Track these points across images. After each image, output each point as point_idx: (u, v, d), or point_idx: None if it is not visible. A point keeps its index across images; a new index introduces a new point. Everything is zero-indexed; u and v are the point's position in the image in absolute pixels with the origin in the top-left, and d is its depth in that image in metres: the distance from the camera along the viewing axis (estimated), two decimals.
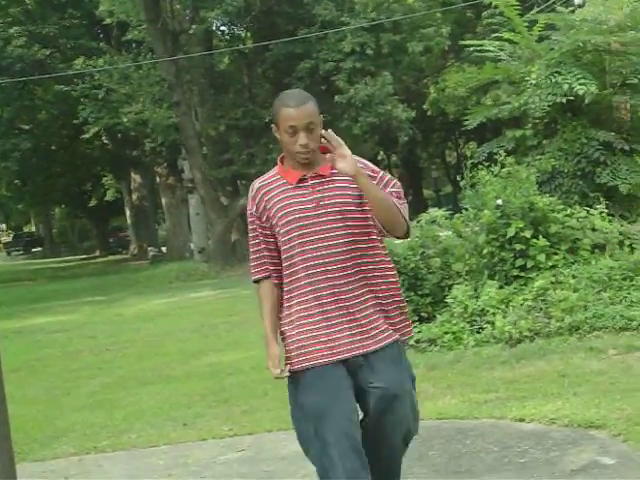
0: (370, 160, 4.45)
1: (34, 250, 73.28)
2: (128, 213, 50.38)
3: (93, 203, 57.75)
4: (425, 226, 12.12)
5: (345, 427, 3.98)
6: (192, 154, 31.17)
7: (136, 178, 46.72)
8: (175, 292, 24.65)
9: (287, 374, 4.07)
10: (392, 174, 46.15)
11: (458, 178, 12.75)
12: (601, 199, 12.46)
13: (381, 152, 50.80)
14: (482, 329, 9.94)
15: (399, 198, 4.15)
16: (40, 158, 42.68)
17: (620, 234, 11.49)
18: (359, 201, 4.10)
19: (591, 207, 11.98)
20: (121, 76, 32.93)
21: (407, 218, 4.14)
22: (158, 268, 33.70)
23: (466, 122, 15.61)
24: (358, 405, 4.13)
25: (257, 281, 4.33)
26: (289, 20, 32.26)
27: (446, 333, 10.02)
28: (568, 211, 11.51)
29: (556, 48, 13.87)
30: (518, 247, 10.76)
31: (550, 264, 10.71)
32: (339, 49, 29.99)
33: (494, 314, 10.05)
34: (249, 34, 37.08)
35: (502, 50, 14.71)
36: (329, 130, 4.03)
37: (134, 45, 36.88)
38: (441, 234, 12.20)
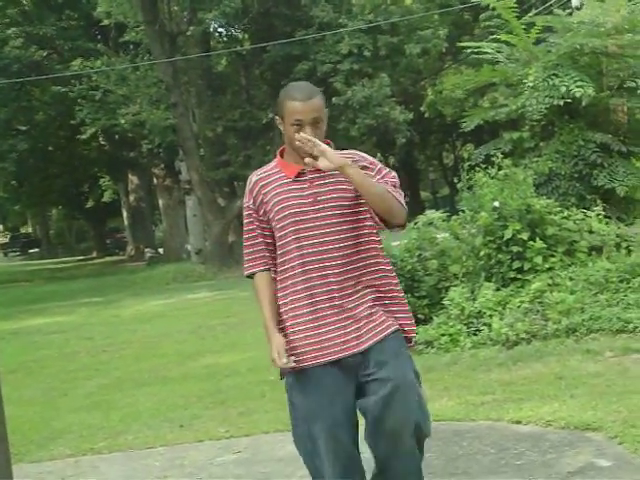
0: None
1: (31, 251, 73.25)
2: (125, 214, 50.34)
3: (90, 204, 57.68)
4: (422, 228, 12.12)
5: (335, 430, 3.93)
6: (189, 155, 31.16)
7: (133, 179, 46.70)
8: (172, 293, 24.65)
9: (293, 364, 3.92)
10: None
11: (455, 180, 12.76)
12: (598, 201, 12.48)
13: (378, 154, 50.81)
14: (479, 331, 9.94)
15: (394, 187, 4.05)
16: (37, 159, 42.65)
17: (617, 236, 11.51)
18: (357, 196, 4.01)
19: (588, 209, 12.00)
20: (118, 77, 32.92)
21: (404, 204, 4.05)
22: (155, 269, 33.69)
23: (463, 124, 15.63)
24: (361, 402, 3.99)
25: (251, 275, 4.23)
26: (287, 22, 32.29)
27: (443, 335, 10.02)
28: (565, 213, 11.52)
29: (553, 50, 13.90)
30: (515, 249, 10.77)
31: (547, 266, 10.72)
32: (336, 51, 30.02)
33: (491, 316, 10.05)
34: (247, 36, 37.11)
35: (499, 52, 14.73)
36: (300, 134, 3.94)
37: (132, 46, 36.88)
38: (438, 236, 12.21)
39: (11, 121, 39.28)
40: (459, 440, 6.37)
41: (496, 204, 11.01)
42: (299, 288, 4.01)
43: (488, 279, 10.91)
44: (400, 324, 4.10)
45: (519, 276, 10.75)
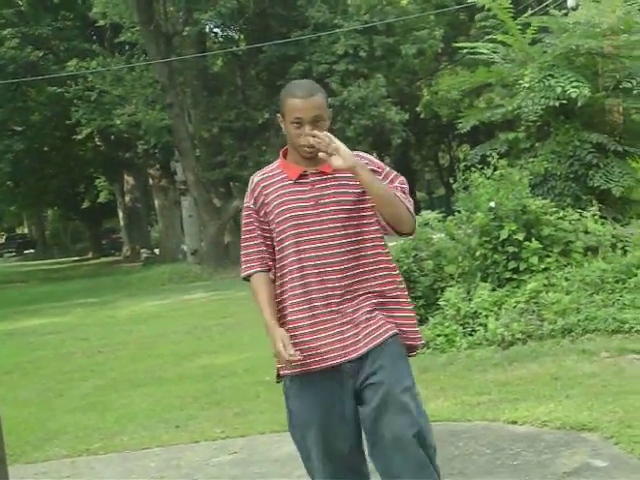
0: None
1: (26, 252, 73.14)
2: (121, 215, 50.31)
3: (86, 205, 57.63)
4: (418, 228, 12.09)
5: (330, 438, 3.88)
6: (185, 156, 31.15)
7: (129, 180, 46.66)
8: (168, 294, 24.63)
9: (299, 357, 3.78)
10: None
11: (451, 180, 12.75)
12: (594, 202, 12.49)
13: (374, 154, 50.81)
14: (475, 331, 9.95)
15: (404, 193, 3.95)
16: (33, 160, 42.59)
17: (613, 237, 11.51)
18: (360, 199, 3.92)
19: (584, 210, 12.01)
20: (114, 78, 32.91)
21: (413, 212, 3.95)
22: (151, 270, 33.65)
23: (459, 125, 15.63)
24: (360, 412, 3.89)
25: (248, 277, 4.10)
26: (282, 22, 32.28)
27: (439, 335, 10.03)
28: (561, 214, 11.53)
29: (549, 51, 13.91)
30: (511, 250, 10.78)
31: (543, 267, 10.73)
32: (332, 51, 30.01)
33: (487, 316, 10.06)
34: (242, 36, 37.09)
35: (495, 52, 14.74)
36: (314, 131, 3.83)
37: (127, 47, 36.85)
38: (434, 236, 12.21)
39: (7, 122, 39.22)
40: (455, 440, 6.37)
41: (492, 204, 11.02)
42: (297, 292, 3.92)
43: (484, 279, 10.92)
44: (403, 330, 3.98)
45: (515, 276, 10.76)
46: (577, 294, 9.99)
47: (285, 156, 4.07)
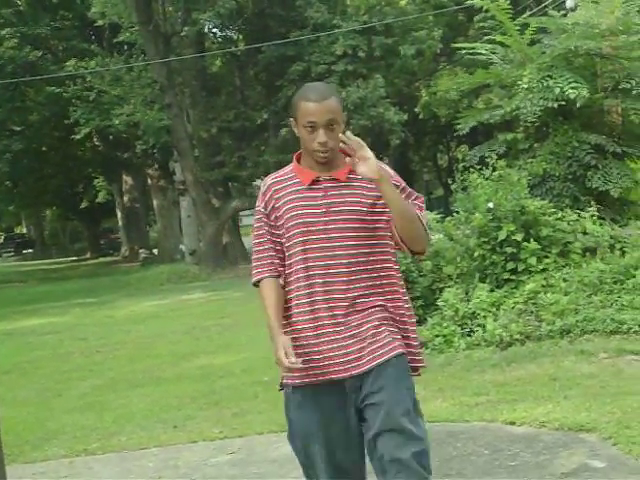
0: None
1: (25, 252, 73.07)
2: (119, 215, 50.27)
3: (84, 205, 57.57)
4: None
5: (332, 452, 3.81)
6: (184, 156, 31.14)
7: (127, 180, 46.63)
8: (166, 294, 24.62)
9: (300, 365, 3.65)
10: None
11: (449, 181, 12.76)
12: (592, 203, 12.48)
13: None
14: (473, 332, 9.96)
15: (421, 210, 3.85)
16: (31, 160, 42.54)
17: (611, 238, 11.52)
18: (374, 210, 3.79)
19: (582, 210, 12.01)
20: (113, 78, 32.87)
21: (428, 232, 3.88)
22: (149, 270, 33.63)
23: (458, 126, 15.62)
24: (363, 427, 3.79)
25: (257, 283, 3.95)
26: (281, 22, 32.25)
27: (437, 336, 10.03)
28: (559, 214, 11.54)
29: (548, 52, 13.91)
30: (509, 250, 10.79)
31: (541, 267, 10.74)
32: (331, 52, 29.98)
33: (485, 317, 10.07)
34: (241, 36, 37.05)
35: (494, 53, 14.74)
36: (347, 132, 3.69)
37: (126, 47, 36.83)
38: (432, 237, 12.21)
39: (5, 122, 39.19)
40: (453, 441, 6.38)
41: (490, 205, 11.02)
42: (303, 301, 3.81)
43: (482, 280, 10.92)
44: (408, 350, 3.87)
45: (513, 277, 10.77)
46: (575, 295, 10.00)
47: (299, 160, 3.95)
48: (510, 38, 14.20)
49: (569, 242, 11.22)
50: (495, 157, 12.57)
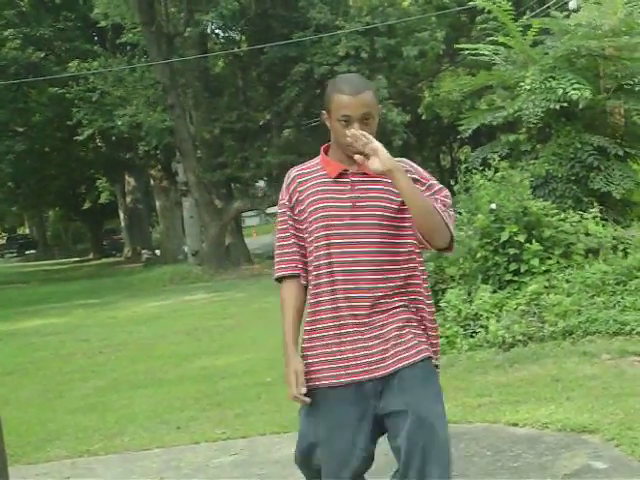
0: None
1: (28, 252, 73.03)
2: (122, 216, 50.28)
3: (87, 206, 57.63)
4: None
5: (337, 464, 3.67)
6: (186, 157, 31.14)
7: (130, 181, 46.65)
8: (169, 295, 24.63)
9: (307, 399, 3.62)
10: None
11: (452, 182, 12.75)
12: (595, 204, 12.48)
13: None
14: (476, 333, 9.95)
15: (444, 206, 3.66)
16: (34, 160, 42.55)
17: (614, 239, 11.52)
18: (402, 208, 3.65)
19: (585, 212, 12.01)
20: (115, 79, 32.88)
21: (452, 228, 3.66)
22: (152, 271, 33.66)
23: (461, 128, 15.62)
24: (389, 440, 3.66)
25: (280, 279, 3.85)
26: (284, 23, 32.24)
27: (439, 337, 10.02)
28: (562, 215, 11.54)
29: (550, 53, 13.90)
30: (512, 251, 10.78)
31: (544, 268, 10.73)
32: (334, 53, 29.97)
33: (488, 318, 10.06)
34: (244, 37, 37.05)
35: (497, 54, 14.73)
36: (351, 130, 3.56)
37: (129, 48, 36.83)
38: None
39: (8, 122, 39.19)
40: (456, 442, 6.36)
41: (493, 206, 11.03)
42: (326, 298, 3.68)
43: (485, 281, 10.92)
44: (431, 349, 3.79)
45: (516, 278, 10.77)
46: (578, 296, 9.99)
47: (327, 152, 3.82)
48: (512, 39, 14.19)
49: (572, 243, 11.22)
50: (498, 158, 12.57)
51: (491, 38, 15.06)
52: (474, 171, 12.43)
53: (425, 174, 3.77)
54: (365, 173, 3.65)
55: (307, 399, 3.62)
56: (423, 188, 3.67)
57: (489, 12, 15.36)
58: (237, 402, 8.93)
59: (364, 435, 3.66)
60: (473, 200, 11.70)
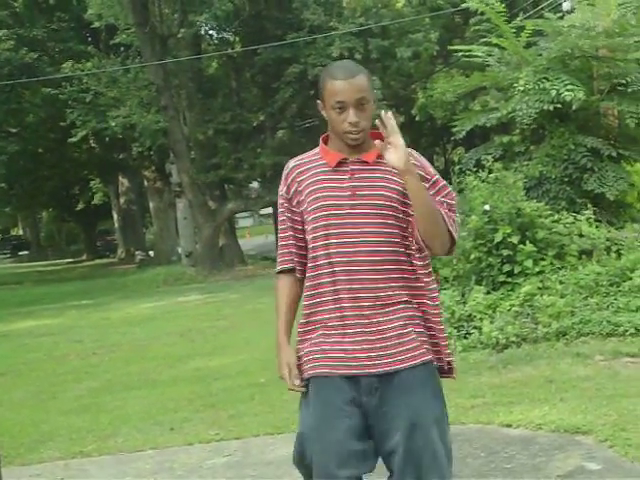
0: None
1: (21, 253, 72.95)
2: (116, 217, 50.25)
3: (81, 207, 57.53)
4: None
5: (321, 462, 3.51)
6: (180, 158, 31.12)
7: (124, 182, 46.63)
8: (162, 296, 24.59)
9: (303, 389, 3.59)
10: None
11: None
12: (588, 205, 12.49)
13: None
14: (469, 334, 9.96)
15: (450, 210, 3.62)
16: (27, 161, 42.51)
17: (607, 240, 11.53)
18: (402, 199, 3.54)
19: (578, 213, 12.02)
20: (109, 79, 32.84)
21: (455, 234, 3.62)
22: (145, 272, 33.64)
23: (455, 130, 15.63)
24: (379, 447, 3.55)
25: (280, 272, 3.79)
26: (278, 25, 32.25)
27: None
28: (555, 217, 11.56)
29: (544, 54, 13.91)
30: (505, 253, 10.79)
31: (537, 270, 10.74)
32: (327, 54, 29.97)
33: (481, 319, 10.07)
34: (238, 38, 37.06)
35: (490, 55, 14.75)
36: (389, 112, 3.43)
37: (122, 49, 36.78)
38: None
39: (1, 123, 39.13)
40: None
41: (486, 207, 11.04)
42: (327, 290, 3.57)
43: (478, 282, 10.93)
44: (436, 350, 3.65)
45: (509, 279, 10.78)
46: (571, 297, 10.00)
47: (326, 142, 3.71)
48: (506, 40, 14.21)
49: (565, 244, 11.23)
50: (491, 159, 12.59)
51: (485, 39, 15.08)
52: (468, 172, 12.44)
53: (430, 169, 3.67)
54: (365, 161, 3.57)
55: (303, 388, 3.59)
56: (428, 185, 3.58)
57: (482, 14, 15.37)
58: (231, 403, 8.92)
59: (356, 428, 3.51)
60: (467, 201, 11.71)
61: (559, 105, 13.11)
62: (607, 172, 13.33)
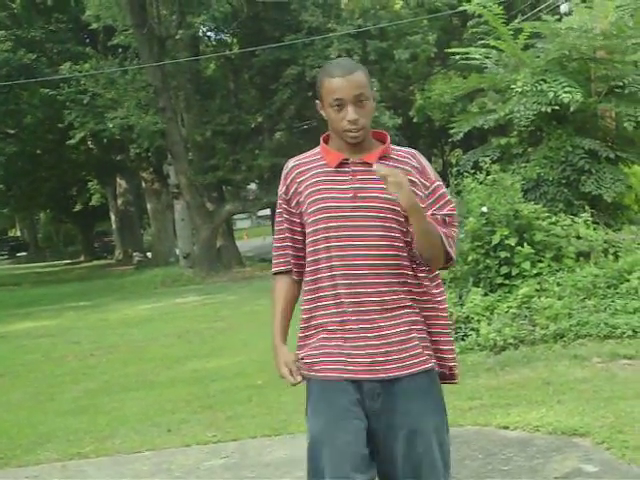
0: None
1: (19, 255, 72.90)
2: (113, 218, 50.21)
3: (78, 208, 57.45)
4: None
5: (334, 465, 3.36)
6: (178, 160, 31.10)
7: (121, 183, 46.60)
8: (160, 297, 24.57)
9: (302, 382, 3.52)
10: None
11: None
12: (586, 207, 12.51)
13: None
14: (467, 336, 9.96)
15: (450, 223, 3.56)
16: (25, 162, 42.49)
17: (605, 242, 11.54)
18: None
19: (576, 215, 12.03)
20: (107, 81, 32.81)
21: (453, 251, 3.54)
22: (143, 273, 33.63)
23: (452, 131, 15.63)
24: (384, 450, 3.48)
25: (277, 274, 3.74)
26: (276, 26, 32.24)
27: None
28: (553, 219, 11.56)
29: (542, 56, 13.93)
30: (503, 254, 10.80)
31: (535, 272, 10.75)
32: (326, 55, 29.95)
33: (479, 321, 10.07)
34: (236, 40, 37.05)
35: (488, 58, 14.76)
36: (374, 166, 3.37)
37: (120, 50, 36.76)
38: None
39: None
40: None
41: (484, 209, 11.04)
42: (327, 294, 3.51)
43: (476, 284, 10.93)
44: (438, 356, 3.58)
45: (507, 281, 10.78)
46: (569, 299, 10.01)
47: (326, 142, 3.64)
48: (504, 43, 14.22)
49: (563, 246, 11.24)
50: (489, 161, 12.60)
51: (482, 42, 15.09)
52: (465, 174, 12.45)
53: (431, 175, 3.58)
54: (366, 162, 3.49)
55: (302, 382, 3.53)
56: (427, 192, 3.53)
57: (480, 16, 15.38)
58: (228, 405, 8.92)
59: (363, 431, 3.43)
60: (464, 203, 11.71)
61: (557, 107, 13.13)
62: (605, 174, 13.34)
